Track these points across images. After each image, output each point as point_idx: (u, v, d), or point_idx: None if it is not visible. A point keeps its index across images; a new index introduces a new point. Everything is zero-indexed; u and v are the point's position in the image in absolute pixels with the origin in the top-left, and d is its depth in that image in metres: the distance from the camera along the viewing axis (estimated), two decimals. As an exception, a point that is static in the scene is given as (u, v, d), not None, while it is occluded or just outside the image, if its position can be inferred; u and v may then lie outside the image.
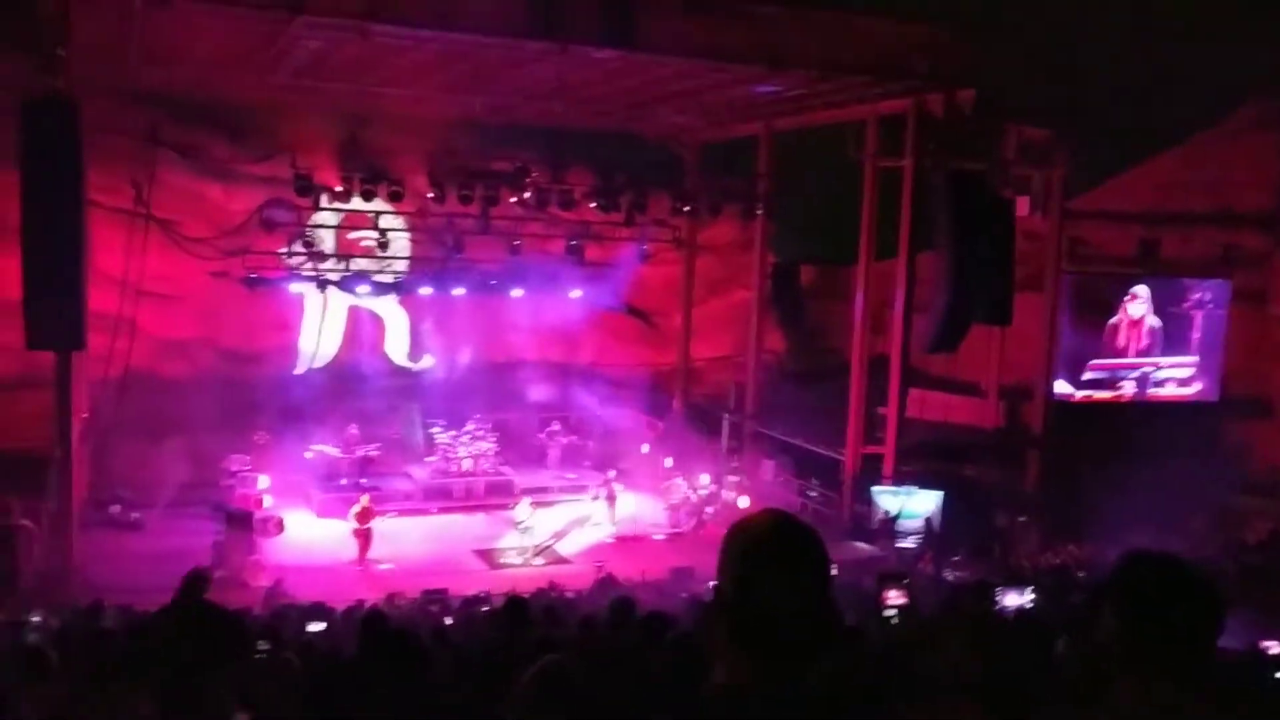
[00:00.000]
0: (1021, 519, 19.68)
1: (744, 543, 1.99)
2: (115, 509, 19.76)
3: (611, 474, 21.67)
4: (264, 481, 20.80)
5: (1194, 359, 22.37)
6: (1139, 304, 22.05)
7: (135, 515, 19.64)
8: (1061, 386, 21.84)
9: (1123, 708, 2.14)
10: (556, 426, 24.38)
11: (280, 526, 19.64)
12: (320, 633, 10.13)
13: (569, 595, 15.77)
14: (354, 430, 22.10)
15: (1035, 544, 18.67)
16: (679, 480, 22.17)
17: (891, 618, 3.31)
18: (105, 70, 17.50)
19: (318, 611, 12.41)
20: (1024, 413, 22.52)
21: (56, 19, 14.64)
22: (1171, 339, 22.28)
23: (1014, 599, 14.38)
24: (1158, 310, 22.12)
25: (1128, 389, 22.26)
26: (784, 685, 1.89)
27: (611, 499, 21.38)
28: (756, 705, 1.87)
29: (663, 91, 19.82)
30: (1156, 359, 22.25)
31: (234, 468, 20.77)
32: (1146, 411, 21.45)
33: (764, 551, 1.95)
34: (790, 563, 1.94)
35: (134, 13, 14.74)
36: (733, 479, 22.90)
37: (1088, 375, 22.00)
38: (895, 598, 3.23)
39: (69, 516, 16.67)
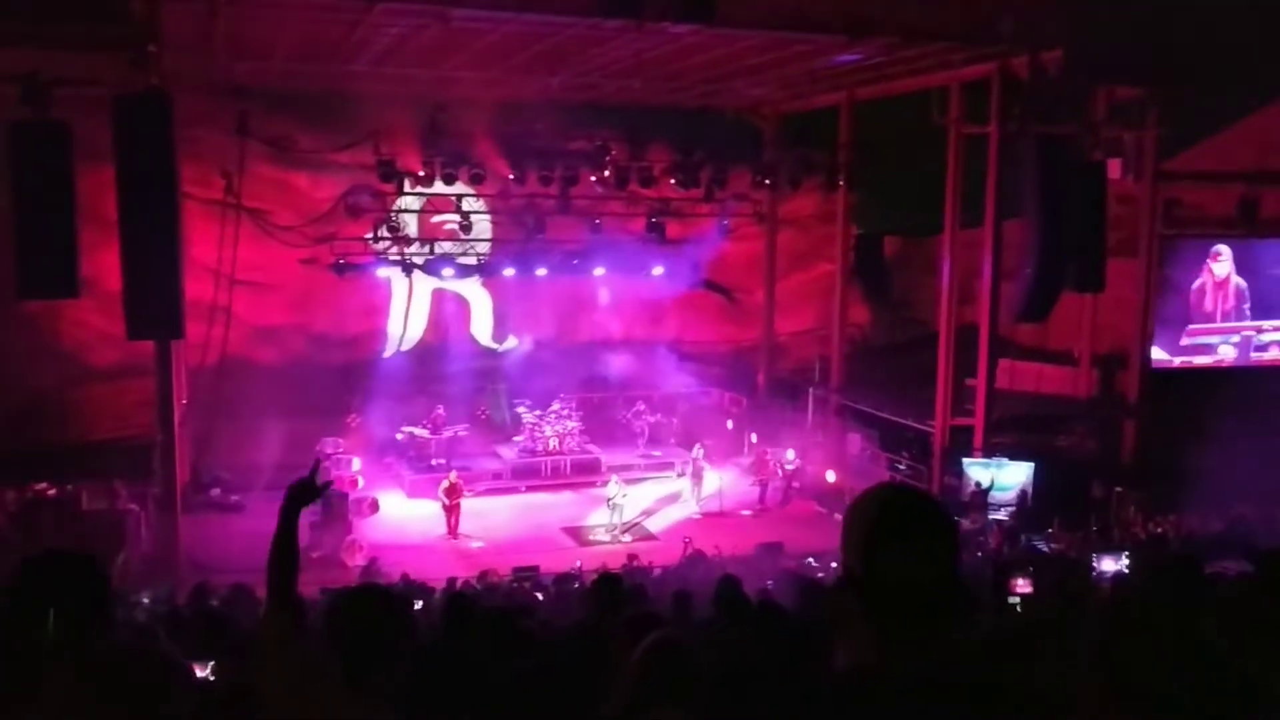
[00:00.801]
0: (1118, 490, 19.20)
1: (870, 516, 1.96)
2: (216, 492, 20.39)
3: (699, 451, 21.68)
4: (357, 463, 21.30)
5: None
6: (1222, 263, 21.31)
7: (235, 497, 20.21)
8: (1157, 353, 21.24)
9: None
10: (641, 406, 24.44)
11: (374, 507, 20.09)
12: (419, 611, 10.32)
13: (655, 571, 15.87)
14: (442, 411, 22.45)
15: (1133, 515, 18.20)
16: (765, 456, 22.12)
17: (1015, 605, 3.19)
18: (195, 66, 17.91)
19: (415, 590, 12.66)
20: (1119, 381, 21.95)
21: (147, 16, 15.00)
22: (1271, 300, 21.49)
23: (1110, 565, 14.18)
24: (1261, 272, 21.35)
25: (1228, 354, 21.56)
26: (920, 660, 1.87)
27: (698, 476, 21.42)
28: (894, 682, 1.85)
29: (741, 65, 19.62)
30: (1259, 323, 21.51)
31: (328, 450, 21.25)
32: (1250, 377, 20.75)
33: (892, 523, 1.93)
34: (920, 533, 1.93)
35: (218, 8, 15.05)
36: (817, 453, 22.77)
37: (1185, 341, 21.35)
38: (1021, 586, 3.11)
39: (173, 500, 17.20)
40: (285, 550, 3.45)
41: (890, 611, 1.89)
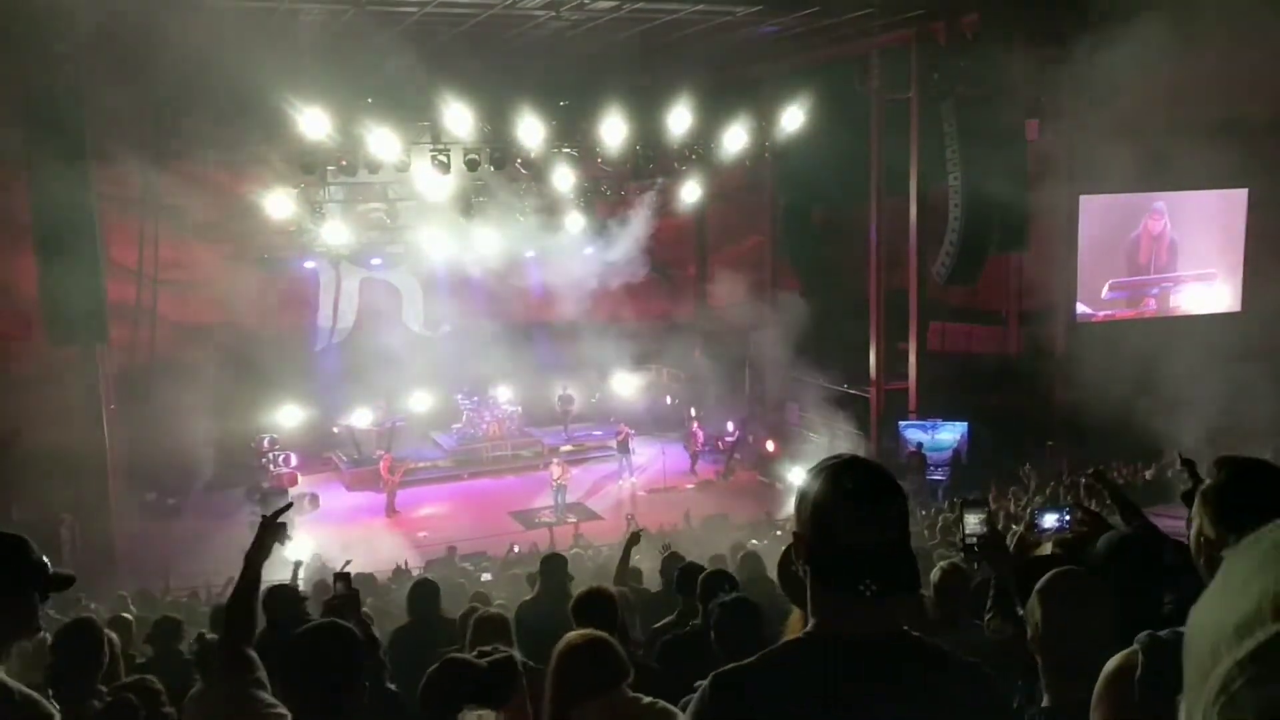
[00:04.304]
0: (1049, 444, 19.65)
1: (821, 486, 1.94)
2: (151, 496, 19.99)
3: (622, 427, 21.82)
4: (295, 459, 21.06)
5: (1213, 270, 22.19)
6: (1159, 218, 21.82)
7: (171, 501, 19.88)
8: (1082, 308, 21.71)
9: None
10: (583, 385, 24.43)
11: (315, 502, 19.90)
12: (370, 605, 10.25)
13: (603, 549, 15.91)
14: (379, 402, 22.24)
15: (1065, 468, 18.64)
16: (694, 429, 22.30)
17: (973, 545, 3.23)
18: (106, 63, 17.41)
19: (364, 583, 12.53)
20: (1047, 337, 22.39)
21: (55, 15, 14.55)
22: (1191, 251, 22.08)
23: (1051, 520, 14.54)
24: (1175, 223, 21.90)
25: (1149, 305, 22.13)
26: (870, 624, 1.89)
27: (628, 450, 21.61)
28: (846, 646, 1.88)
29: (662, 40, 19.59)
30: (1177, 273, 22.09)
31: (265, 447, 20.98)
32: (1170, 327, 21.29)
33: (845, 491, 1.91)
34: (871, 501, 1.91)
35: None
36: (756, 423, 22.99)
37: (1107, 294, 21.84)
38: (974, 525, 3.12)
39: (107, 507, 16.87)
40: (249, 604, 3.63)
41: (843, 578, 1.88)
